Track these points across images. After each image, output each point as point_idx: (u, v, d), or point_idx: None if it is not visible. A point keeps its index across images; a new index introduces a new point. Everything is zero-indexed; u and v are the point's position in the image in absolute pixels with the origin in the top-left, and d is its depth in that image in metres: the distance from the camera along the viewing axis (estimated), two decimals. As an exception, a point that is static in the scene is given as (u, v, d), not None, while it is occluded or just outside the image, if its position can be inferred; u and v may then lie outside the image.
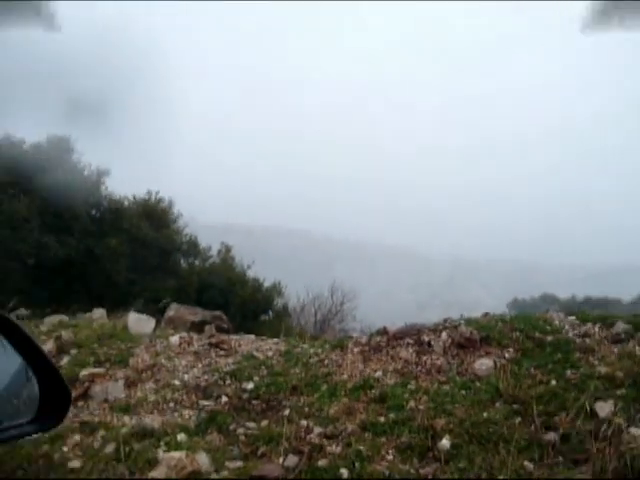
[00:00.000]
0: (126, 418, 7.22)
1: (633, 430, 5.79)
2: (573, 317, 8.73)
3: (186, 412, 7.41)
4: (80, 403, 7.58)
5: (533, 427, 6.18)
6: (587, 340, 7.92)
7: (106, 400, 7.66)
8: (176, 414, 7.37)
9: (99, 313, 10.93)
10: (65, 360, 8.56)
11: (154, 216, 24.63)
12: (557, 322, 8.60)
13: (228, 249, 26.37)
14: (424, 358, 7.96)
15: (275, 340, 9.68)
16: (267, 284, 25.60)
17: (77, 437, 6.77)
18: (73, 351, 8.85)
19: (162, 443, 6.56)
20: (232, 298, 22.90)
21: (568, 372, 7.12)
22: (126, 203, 24.66)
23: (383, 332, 8.80)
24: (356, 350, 8.48)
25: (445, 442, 6.13)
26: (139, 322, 9.99)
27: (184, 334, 9.62)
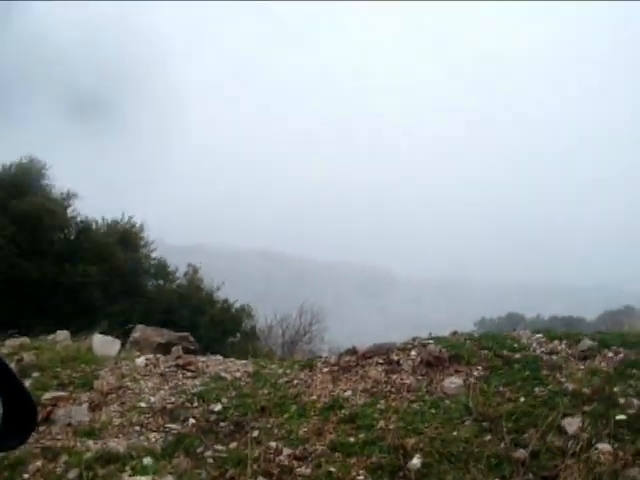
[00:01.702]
0: (90, 442, 7.03)
1: (601, 445, 5.82)
2: (540, 335, 8.79)
3: (152, 435, 7.27)
4: (42, 428, 7.36)
5: (503, 444, 6.17)
6: (554, 357, 7.98)
7: (69, 424, 7.46)
8: (142, 437, 7.22)
9: (63, 335, 10.72)
10: (26, 383, 8.35)
11: (125, 239, 24.57)
12: (524, 340, 8.65)
13: (195, 270, 26.25)
14: (393, 377, 7.93)
15: (243, 361, 9.58)
16: (236, 305, 25.53)
17: (39, 463, 6.58)
18: (35, 374, 8.65)
19: (127, 468, 6.42)
20: (200, 319, 22.77)
21: (536, 389, 7.15)
22: (94, 226, 24.51)
23: (352, 352, 8.76)
24: (325, 370, 8.43)
25: (416, 461, 6.09)
26: (104, 344, 9.83)
27: (150, 356, 9.48)
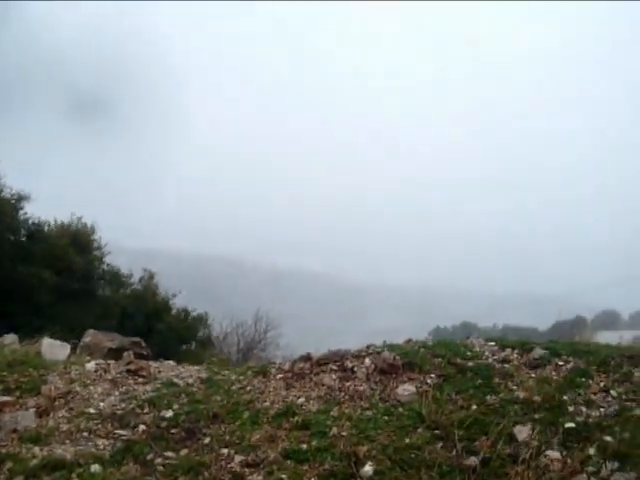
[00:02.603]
0: (36, 449, 6.84)
1: (550, 453, 5.89)
2: (492, 343, 8.89)
3: (101, 442, 7.10)
4: (-14, 434, 7.17)
5: (455, 452, 6.18)
6: (506, 365, 8.07)
7: (15, 430, 7.25)
8: (90, 444, 7.05)
9: (10, 339, 10.47)
10: (-29, 388, 8.13)
11: (77, 241, 24.08)
12: (477, 348, 8.74)
13: (151, 276, 25.93)
14: (347, 384, 7.91)
15: (196, 367, 9.47)
16: (193, 314, 25.27)
17: (-19, 470, 6.38)
18: (-20, 379, 8.42)
19: (74, 475, 6.25)
20: (155, 326, 22.50)
21: (488, 397, 7.21)
22: (47, 228, 24.02)
23: (307, 358, 8.74)
24: (279, 376, 8.38)
25: (368, 468, 6.06)
26: (53, 348, 9.63)
27: (101, 361, 9.32)
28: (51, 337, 10.31)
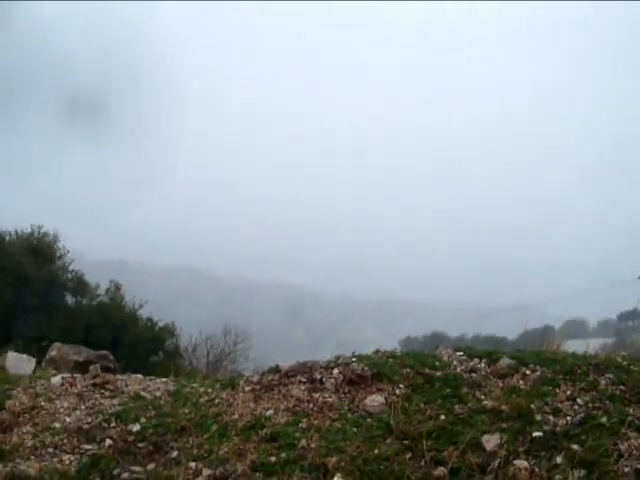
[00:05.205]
0: (-1, 465, 6.74)
1: (518, 462, 5.93)
2: (460, 353, 8.92)
3: (66, 457, 7.01)
4: (-53, 450, 7.02)
5: (423, 462, 6.20)
6: (474, 375, 8.10)
7: (-23, 447, 7.13)
8: (55, 459, 6.96)
9: (-27, 353, 10.28)
10: None
11: (38, 251, 23.61)
12: (446, 358, 8.76)
13: (118, 287, 25.60)
14: (316, 395, 7.89)
15: (164, 380, 9.38)
16: (160, 323, 25.03)
17: (-58, 488, 6.25)
18: (-59, 394, 8.25)
19: (38, 491, 6.16)
20: (122, 338, 22.23)
21: (456, 407, 7.22)
22: (8, 238, 23.58)
23: (275, 370, 8.70)
24: (247, 389, 8.32)
25: (337, 480, 6.05)
26: (18, 362, 9.48)
27: (67, 374, 9.18)
28: (16, 351, 10.15)
